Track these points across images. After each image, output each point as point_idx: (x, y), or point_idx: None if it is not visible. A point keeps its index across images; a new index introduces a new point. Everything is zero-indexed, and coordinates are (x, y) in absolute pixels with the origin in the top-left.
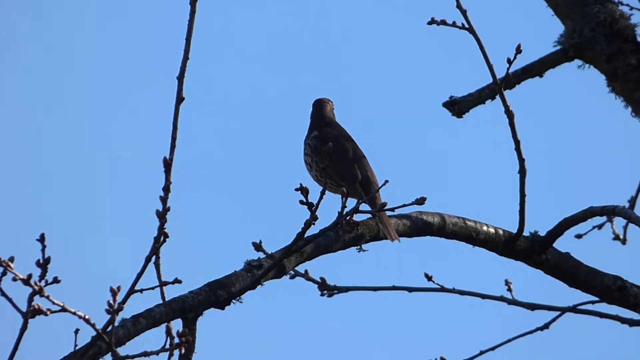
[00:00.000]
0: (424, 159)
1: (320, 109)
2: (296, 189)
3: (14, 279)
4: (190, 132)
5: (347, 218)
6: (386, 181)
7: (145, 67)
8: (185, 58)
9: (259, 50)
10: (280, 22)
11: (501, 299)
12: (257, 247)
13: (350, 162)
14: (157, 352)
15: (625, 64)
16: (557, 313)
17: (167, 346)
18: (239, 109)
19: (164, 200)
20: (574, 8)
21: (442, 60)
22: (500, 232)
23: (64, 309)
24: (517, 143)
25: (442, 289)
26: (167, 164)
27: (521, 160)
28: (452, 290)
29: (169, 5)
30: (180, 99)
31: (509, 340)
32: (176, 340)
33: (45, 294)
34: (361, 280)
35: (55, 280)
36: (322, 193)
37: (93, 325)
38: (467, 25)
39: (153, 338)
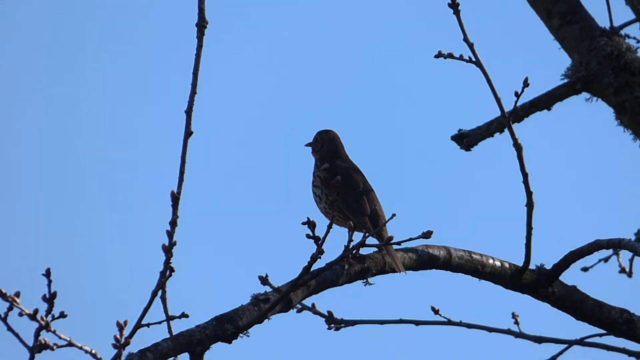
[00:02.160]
0: (432, 192)
1: (332, 141)
2: (303, 223)
3: (21, 314)
4: (196, 165)
5: (354, 252)
6: (393, 215)
7: (152, 99)
8: (193, 92)
9: (264, 85)
10: (286, 57)
11: (508, 332)
12: (264, 281)
13: (359, 195)
14: None
15: (633, 96)
16: (565, 346)
17: None
18: (245, 141)
19: (170, 234)
20: (581, 41)
21: (450, 94)
22: (507, 265)
23: (70, 344)
24: (525, 176)
25: (449, 322)
26: (175, 198)
27: (529, 193)
28: (459, 324)
29: (177, 37)
30: (188, 133)
31: None
32: None
33: (52, 329)
34: (368, 314)
35: (62, 315)
36: (329, 227)
37: None
38: (474, 59)
39: None
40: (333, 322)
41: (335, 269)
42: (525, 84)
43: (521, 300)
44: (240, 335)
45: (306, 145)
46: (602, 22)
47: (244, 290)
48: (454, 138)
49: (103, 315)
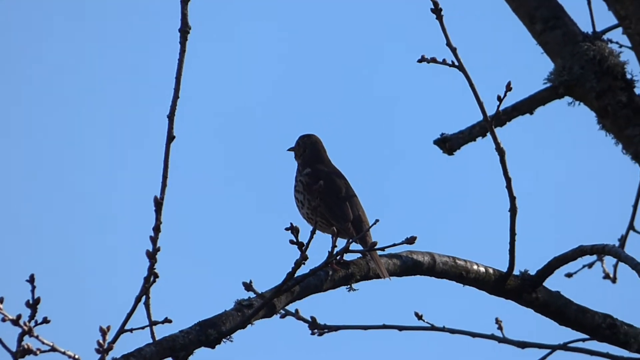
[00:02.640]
0: (415, 197)
1: (314, 145)
2: (286, 229)
3: (4, 319)
4: (179, 170)
5: (338, 258)
6: (377, 220)
7: (136, 104)
8: (176, 97)
9: (247, 91)
10: (268, 63)
11: (492, 337)
12: (248, 286)
13: (342, 201)
14: None
15: (616, 101)
16: (548, 351)
17: None
18: (229, 146)
19: (154, 240)
20: (564, 46)
21: (433, 98)
22: (491, 271)
23: (53, 349)
24: (508, 181)
25: (433, 328)
26: (158, 203)
27: (512, 198)
28: (443, 329)
29: (160, 41)
30: (170, 138)
31: None
32: None
33: (35, 334)
34: (351, 319)
35: (45, 321)
36: (313, 232)
37: None
38: (457, 63)
39: None
40: (316, 327)
41: (319, 274)
42: (508, 88)
43: (504, 306)
44: (224, 340)
45: (288, 150)
46: (585, 27)
47: (228, 296)
48: (436, 142)
49: (86, 321)
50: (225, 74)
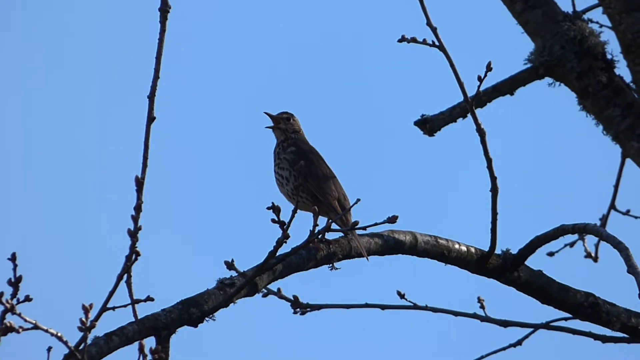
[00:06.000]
0: (396, 177)
1: (295, 124)
2: (268, 208)
3: None
4: (160, 150)
5: (319, 236)
6: (358, 200)
7: (116, 85)
8: (156, 77)
9: (225, 69)
10: (248, 45)
11: (474, 316)
12: (229, 265)
13: (328, 179)
14: None
15: (596, 81)
16: (530, 330)
17: None
18: (209, 126)
19: (135, 219)
20: (544, 25)
21: (414, 79)
22: (472, 250)
23: (36, 327)
24: (489, 161)
25: (415, 307)
26: (139, 183)
27: (493, 179)
28: (425, 308)
29: (140, 21)
30: (151, 118)
31: (482, 357)
32: (149, 358)
33: (17, 312)
34: (334, 298)
35: (27, 299)
36: (294, 212)
37: (66, 343)
38: (437, 43)
39: (126, 356)
40: (299, 306)
41: (301, 253)
42: (488, 68)
43: (487, 285)
44: (206, 319)
45: (274, 120)
46: (565, 6)
47: (210, 274)
48: (417, 123)
49: (69, 299)
50: (205, 54)
